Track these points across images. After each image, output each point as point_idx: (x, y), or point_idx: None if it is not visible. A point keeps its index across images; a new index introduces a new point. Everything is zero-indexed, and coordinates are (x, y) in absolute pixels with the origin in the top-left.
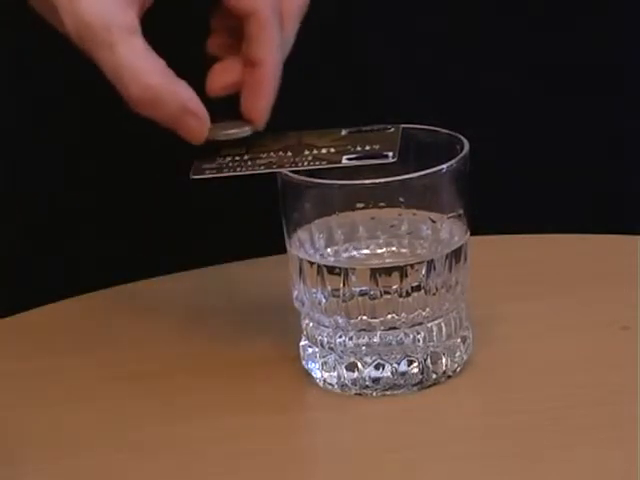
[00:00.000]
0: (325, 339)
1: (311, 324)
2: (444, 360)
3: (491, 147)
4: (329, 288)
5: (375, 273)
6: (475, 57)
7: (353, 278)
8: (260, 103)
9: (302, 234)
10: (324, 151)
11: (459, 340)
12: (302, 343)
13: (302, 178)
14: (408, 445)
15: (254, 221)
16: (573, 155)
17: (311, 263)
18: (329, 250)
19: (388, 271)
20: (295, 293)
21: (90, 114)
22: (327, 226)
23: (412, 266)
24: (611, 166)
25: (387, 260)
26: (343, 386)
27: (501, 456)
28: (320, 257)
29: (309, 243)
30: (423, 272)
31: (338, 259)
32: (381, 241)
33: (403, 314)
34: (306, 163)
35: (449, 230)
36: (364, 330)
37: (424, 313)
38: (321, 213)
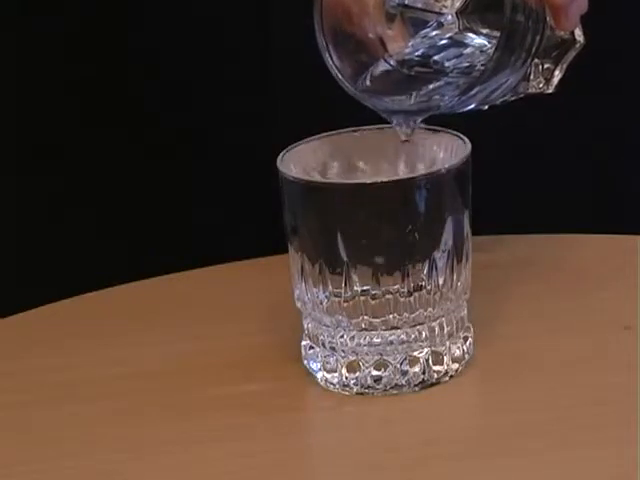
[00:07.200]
0: (326, 339)
1: (312, 324)
2: (445, 360)
3: (491, 147)
4: (330, 288)
5: (377, 273)
6: None
7: (355, 278)
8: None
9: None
10: None
11: (460, 340)
12: (303, 343)
13: (303, 178)
14: (408, 445)
15: (255, 221)
16: (573, 155)
17: (312, 262)
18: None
19: (389, 270)
20: (296, 293)
21: (90, 115)
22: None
23: (414, 265)
24: (611, 166)
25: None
26: (344, 386)
27: (501, 456)
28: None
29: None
30: (425, 272)
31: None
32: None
33: (405, 314)
34: None
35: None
36: (365, 330)
37: (425, 313)
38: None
